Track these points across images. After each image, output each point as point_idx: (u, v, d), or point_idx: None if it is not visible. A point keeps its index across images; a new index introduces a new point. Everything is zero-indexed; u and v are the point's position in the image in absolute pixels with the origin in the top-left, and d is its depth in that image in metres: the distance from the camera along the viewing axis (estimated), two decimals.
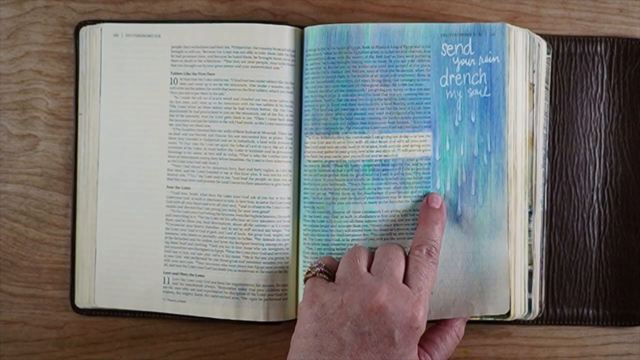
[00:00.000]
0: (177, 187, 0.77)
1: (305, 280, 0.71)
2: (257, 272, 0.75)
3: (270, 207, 0.75)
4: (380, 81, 0.74)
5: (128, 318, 0.80)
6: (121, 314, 0.79)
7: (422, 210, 0.73)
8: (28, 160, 0.80)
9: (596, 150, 0.78)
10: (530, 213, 0.75)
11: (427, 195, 0.73)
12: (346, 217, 0.74)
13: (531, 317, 0.76)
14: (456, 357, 0.79)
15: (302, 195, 0.76)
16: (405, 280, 0.69)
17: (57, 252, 0.80)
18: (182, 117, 0.76)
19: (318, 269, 0.70)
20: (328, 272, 0.70)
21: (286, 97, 0.75)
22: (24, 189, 0.80)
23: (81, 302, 0.79)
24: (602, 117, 0.78)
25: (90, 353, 0.80)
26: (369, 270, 0.69)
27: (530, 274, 0.75)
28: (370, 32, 0.74)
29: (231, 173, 0.76)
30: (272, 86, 0.75)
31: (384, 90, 0.74)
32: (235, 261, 0.76)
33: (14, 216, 0.80)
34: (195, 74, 0.76)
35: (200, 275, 0.76)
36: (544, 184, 0.76)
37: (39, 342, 0.80)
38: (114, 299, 0.78)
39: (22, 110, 0.80)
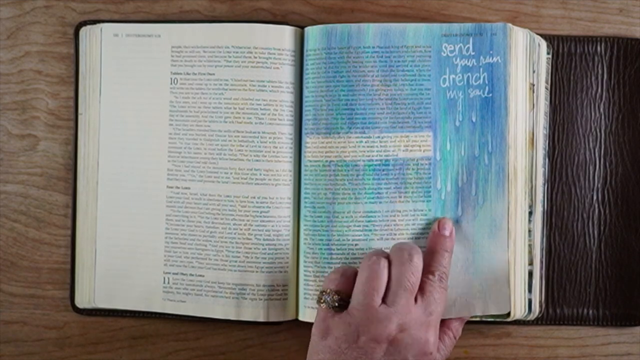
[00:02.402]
0: (177, 187, 0.77)
1: (317, 301, 0.70)
2: (257, 272, 0.75)
3: (270, 207, 0.75)
4: (380, 81, 0.74)
5: (128, 318, 0.80)
6: (121, 314, 0.79)
7: (432, 236, 0.73)
8: (28, 160, 0.80)
9: (596, 150, 0.78)
10: (530, 213, 0.75)
11: (437, 220, 0.73)
12: (346, 217, 0.74)
13: (531, 317, 0.76)
14: (456, 357, 0.79)
15: (303, 195, 0.76)
16: (418, 301, 0.69)
17: (57, 252, 0.80)
18: (182, 117, 0.76)
19: (330, 296, 0.69)
20: (341, 299, 0.69)
21: (286, 97, 0.75)
22: (24, 189, 0.80)
23: (81, 302, 0.79)
24: (602, 117, 0.78)
25: (90, 353, 0.80)
26: (385, 294, 0.68)
27: (530, 274, 0.75)
28: (371, 32, 0.74)
29: (231, 173, 0.76)
30: (272, 86, 0.75)
31: (384, 90, 0.74)
32: (235, 261, 0.76)
33: (14, 216, 0.80)
34: (195, 74, 0.76)
35: (200, 275, 0.76)
36: (544, 184, 0.76)
37: (39, 342, 0.80)
38: (114, 299, 0.78)
39: (22, 110, 0.80)
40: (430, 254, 0.72)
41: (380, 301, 0.68)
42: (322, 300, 0.69)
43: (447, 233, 0.73)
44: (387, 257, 0.70)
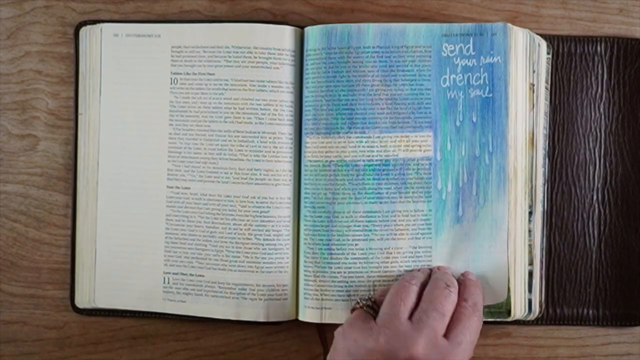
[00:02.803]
0: (177, 187, 0.77)
1: (351, 310, 0.70)
2: (257, 272, 0.75)
3: (270, 207, 0.75)
4: (380, 81, 0.74)
5: (128, 318, 0.80)
6: (121, 314, 0.79)
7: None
8: (28, 160, 0.80)
9: (596, 150, 0.78)
10: (530, 213, 0.75)
11: (461, 274, 0.73)
12: (346, 217, 0.74)
13: (531, 317, 0.76)
14: None
15: (303, 195, 0.76)
16: (446, 331, 0.67)
17: (57, 252, 0.80)
18: (182, 117, 0.76)
19: (365, 302, 0.69)
20: (374, 307, 0.69)
21: (286, 97, 0.75)
22: (24, 189, 0.80)
23: (81, 302, 0.79)
24: (602, 117, 0.78)
25: (90, 353, 0.80)
26: (413, 312, 0.67)
27: (530, 274, 0.75)
28: (371, 32, 0.74)
29: (231, 173, 0.76)
30: (272, 86, 0.75)
31: (384, 90, 0.74)
32: (235, 261, 0.76)
33: (14, 216, 0.80)
34: (195, 74, 0.76)
35: (200, 275, 0.76)
36: (544, 184, 0.76)
37: (39, 342, 0.80)
38: (114, 299, 0.78)
39: (22, 110, 0.80)
40: (462, 288, 0.71)
41: (406, 315, 0.67)
42: (358, 304, 0.69)
43: (473, 278, 0.72)
44: (422, 282, 0.70)
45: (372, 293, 0.73)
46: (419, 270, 0.73)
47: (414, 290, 0.68)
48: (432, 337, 0.65)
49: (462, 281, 0.71)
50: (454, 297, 0.68)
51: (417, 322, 0.66)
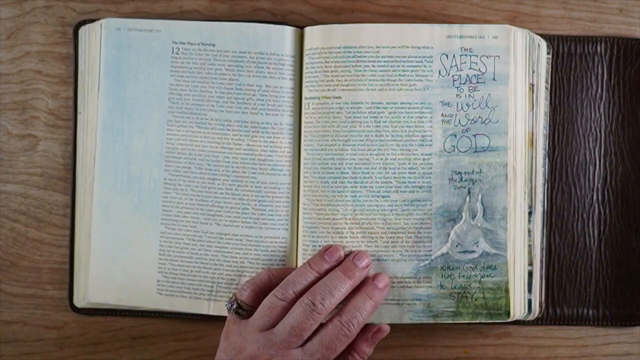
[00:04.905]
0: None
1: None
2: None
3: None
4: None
5: (128, 318, 0.80)
6: (121, 314, 0.79)
7: (363, 280, 0.71)
8: (28, 160, 0.80)
9: (596, 150, 0.78)
10: (530, 213, 0.75)
11: (375, 275, 0.72)
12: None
13: (531, 317, 0.76)
14: (456, 357, 0.79)
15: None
16: (305, 345, 0.68)
17: (57, 252, 0.80)
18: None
19: (232, 305, 0.70)
20: (242, 309, 0.70)
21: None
22: (24, 189, 0.80)
23: (77, 299, 0.78)
24: (602, 117, 0.78)
25: (90, 353, 0.80)
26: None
27: (530, 274, 0.75)
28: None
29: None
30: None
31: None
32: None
33: (14, 216, 0.80)
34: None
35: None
36: (544, 184, 0.76)
37: (39, 342, 0.80)
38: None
39: (22, 110, 0.80)
40: (353, 297, 0.70)
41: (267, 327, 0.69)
42: (228, 304, 0.71)
43: (380, 285, 0.71)
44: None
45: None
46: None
47: (282, 304, 0.69)
48: (281, 348, 0.68)
49: (361, 285, 0.71)
50: (320, 316, 0.68)
51: (281, 334, 0.68)
